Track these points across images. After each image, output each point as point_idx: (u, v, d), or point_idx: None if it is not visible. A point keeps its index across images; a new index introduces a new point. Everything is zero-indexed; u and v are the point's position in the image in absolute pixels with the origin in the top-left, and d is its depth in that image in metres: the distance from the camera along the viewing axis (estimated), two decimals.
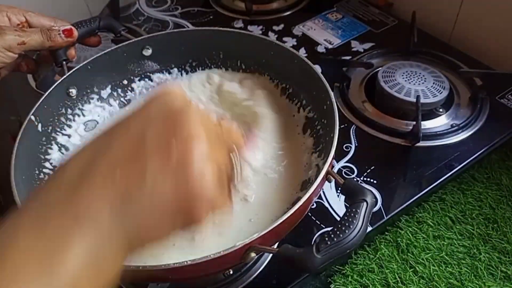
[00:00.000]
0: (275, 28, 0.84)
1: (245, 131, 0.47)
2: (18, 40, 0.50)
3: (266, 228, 0.35)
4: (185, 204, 0.26)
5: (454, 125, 0.62)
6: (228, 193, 0.30)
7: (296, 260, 0.35)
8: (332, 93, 0.47)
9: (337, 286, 0.50)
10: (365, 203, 0.37)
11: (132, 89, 0.62)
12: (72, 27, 0.54)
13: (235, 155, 0.31)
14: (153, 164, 0.25)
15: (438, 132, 0.61)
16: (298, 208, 0.37)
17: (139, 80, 0.62)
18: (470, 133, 0.61)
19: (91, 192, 0.24)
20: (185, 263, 0.34)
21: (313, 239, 0.51)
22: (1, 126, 0.69)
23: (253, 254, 0.36)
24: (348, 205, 0.38)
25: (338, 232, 0.35)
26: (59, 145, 0.54)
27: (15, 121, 0.68)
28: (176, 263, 0.34)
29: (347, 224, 0.35)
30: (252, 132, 0.50)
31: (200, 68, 0.63)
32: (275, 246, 0.41)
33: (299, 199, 0.39)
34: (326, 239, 0.34)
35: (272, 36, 0.82)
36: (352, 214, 0.36)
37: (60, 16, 0.56)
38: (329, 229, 0.51)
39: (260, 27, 0.85)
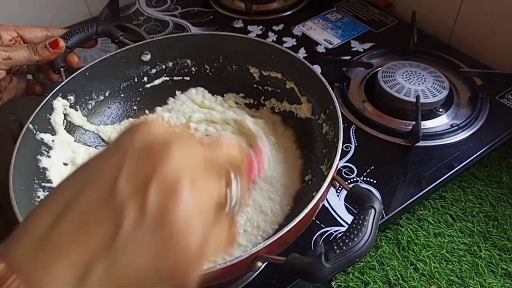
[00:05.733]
0: (275, 28, 0.85)
1: (250, 145, 0.46)
2: (3, 55, 0.49)
3: (273, 237, 0.35)
4: (168, 270, 0.21)
5: (454, 125, 0.62)
6: (230, 230, 0.26)
7: (304, 270, 0.33)
8: (336, 100, 0.47)
9: (338, 284, 0.51)
10: (373, 210, 0.36)
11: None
12: (58, 39, 0.53)
13: (236, 182, 0.26)
14: (125, 221, 0.21)
15: (438, 132, 0.61)
16: (304, 216, 0.37)
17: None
18: (470, 133, 0.62)
19: (57, 257, 0.20)
20: None
21: (313, 239, 0.51)
22: (1, 126, 0.69)
23: (259, 264, 0.35)
24: (355, 212, 0.37)
25: (346, 241, 0.34)
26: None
27: (15, 121, 0.68)
28: None
29: (355, 232, 0.34)
30: (257, 147, 0.48)
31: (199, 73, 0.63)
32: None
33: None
34: (335, 247, 0.33)
35: (272, 36, 0.82)
36: (360, 222, 0.35)
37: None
38: (329, 229, 0.51)
39: (260, 27, 0.85)
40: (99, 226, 0.21)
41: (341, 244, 0.34)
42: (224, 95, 0.63)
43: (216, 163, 0.25)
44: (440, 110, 0.65)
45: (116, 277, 0.21)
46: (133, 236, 0.21)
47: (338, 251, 0.33)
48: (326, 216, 0.53)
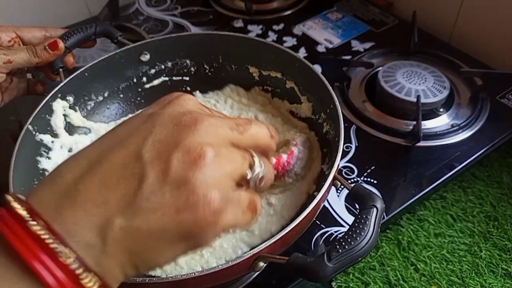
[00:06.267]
0: (275, 27, 0.84)
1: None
2: (3, 59, 0.49)
3: (274, 237, 0.35)
4: (187, 229, 0.23)
5: (454, 125, 0.62)
6: (249, 206, 0.27)
7: (307, 270, 0.33)
8: (336, 99, 0.47)
9: (338, 284, 0.51)
10: (375, 209, 0.36)
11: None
12: (57, 40, 0.53)
13: (260, 164, 0.28)
14: (146, 182, 0.23)
15: (438, 132, 0.61)
16: (306, 216, 0.36)
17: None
18: (470, 133, 0.61)
19: (80, 209, 0.22)
20: (193, 274, 0.33)
21: (313, 239, 0.51)
22: (1, 126, 0.69)
23: (261, 264, 0.35)
24: (355, 212, 0.37)
25: (349, 240, 0.34)
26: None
27: (15, 121, 0.68)
28: (184, 274, 0.33)
29: (357, 231, 0.34)
30: (290, 150, 0.48)
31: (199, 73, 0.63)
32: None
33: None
34: (337, 247, 0.33)
35: (272, 36, 0.82)
36: (362, 221, 0.35)
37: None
38: (329, 229, 0.51)
39: (260, 26, 0.85)
40: (121, 185, 0.23)
41: (343, 243, 0.34)
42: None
43: (242, 143, 0.27)
44: (441, 110, 0.65)
45: (135, 233, 0.23)
46: (153, 195, 0.23)
47: (340, 250, 0.33)
48: (326, 216, 0.53)
